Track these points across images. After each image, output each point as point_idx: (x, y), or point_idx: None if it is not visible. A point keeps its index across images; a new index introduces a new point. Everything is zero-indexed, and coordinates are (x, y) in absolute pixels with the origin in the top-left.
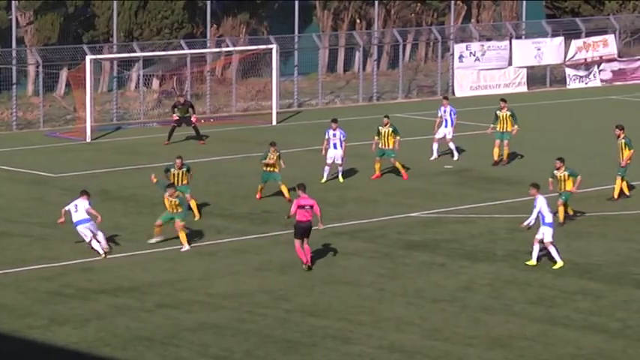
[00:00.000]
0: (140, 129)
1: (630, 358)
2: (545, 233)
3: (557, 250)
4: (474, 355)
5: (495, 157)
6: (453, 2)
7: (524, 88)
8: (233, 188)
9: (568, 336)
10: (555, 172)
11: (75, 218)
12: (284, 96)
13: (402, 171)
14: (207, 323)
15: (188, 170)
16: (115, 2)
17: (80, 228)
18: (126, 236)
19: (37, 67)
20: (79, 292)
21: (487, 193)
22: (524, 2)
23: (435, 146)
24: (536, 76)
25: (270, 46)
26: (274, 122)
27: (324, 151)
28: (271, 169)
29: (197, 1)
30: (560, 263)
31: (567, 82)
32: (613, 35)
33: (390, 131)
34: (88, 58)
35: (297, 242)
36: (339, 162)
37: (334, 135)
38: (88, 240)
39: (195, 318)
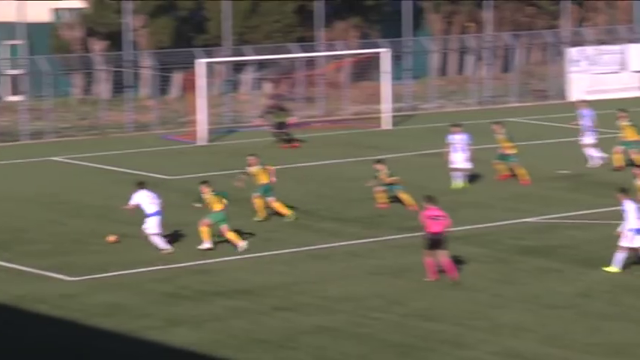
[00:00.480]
0: (252, 132)
1: None
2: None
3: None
4: None
5: (618, 164)
6: (566, 6)
7: (639, 93)
8: (346, 192)
9: None
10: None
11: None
12: (395, 100)
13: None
14: (322, 326)
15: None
16: (228, 6)
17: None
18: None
19: (151, 70)
20: (195, 293)
21: (602, 198)
22: (639, 5)
23: (592, 151)
24: None
25: (381, 49)
26: (388, 126)
27: (447, 157)
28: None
29: (308, 5)
30: None
31: None
32: None
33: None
34: (201, 61)
35: (428, 254)
36: (466, 167)
37: (455, 139)
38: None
39: (310, 321)
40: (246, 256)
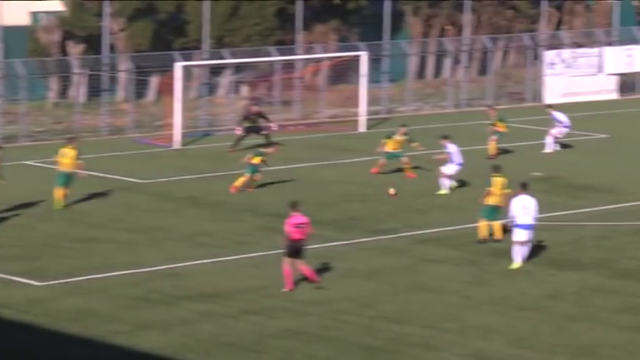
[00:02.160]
0: (228, 136)
1: None
2: None
3: None
4: None
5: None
6: (544, 9)
7: (615, 95)
8: (318, 195)
9: None
10: None
11: None
12: (372, 103)
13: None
14: (291, 330)
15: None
16: (206, 9)
17: None
18: (212, 242)
19: (128, 73)
20: (165, 297)
21: (574, 200)
22: (617, 9)
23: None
24: (627, 83)
25: (359, 52)
26: (362, 129)
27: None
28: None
29: (288, 8)
30: None
31: None
32: None
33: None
34: (178, 64)
35: (286, 262)
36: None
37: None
38: None
39: (279, 324)
40: (216, 259)
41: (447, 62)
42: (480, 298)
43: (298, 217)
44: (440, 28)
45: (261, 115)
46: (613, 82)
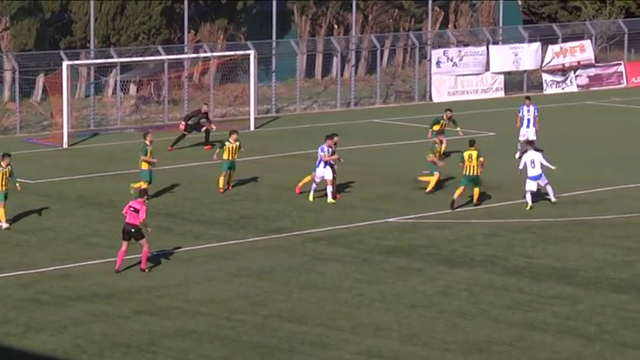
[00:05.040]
0: (117, 135)
1: None
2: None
3: None
4: None
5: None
6: (430, 8)
7: (501, 94)
8: (210, 194)
9: (545, 340)
10: None
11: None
12: (262, 102)
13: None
14: (184, 329)
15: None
16: (92, 8)
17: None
18: (103, 242)
19: (14, 73)
20: (56, 298)
21: (464, 198)
22: (501, 8)
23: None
24: (513, 81)
25: (247, 51)
26: (252, 128)
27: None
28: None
29: (175, 7)
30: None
31: (544, 88)
32: (589, 41)
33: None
34: (65, 63)
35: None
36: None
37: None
38: None
39: (172, 324)
40: (108, 260)
41: (336, 61)
42: (373, 295)
43: (135, 203)
44: (327, 27)
45: (206, 115)
46: (499, 81)
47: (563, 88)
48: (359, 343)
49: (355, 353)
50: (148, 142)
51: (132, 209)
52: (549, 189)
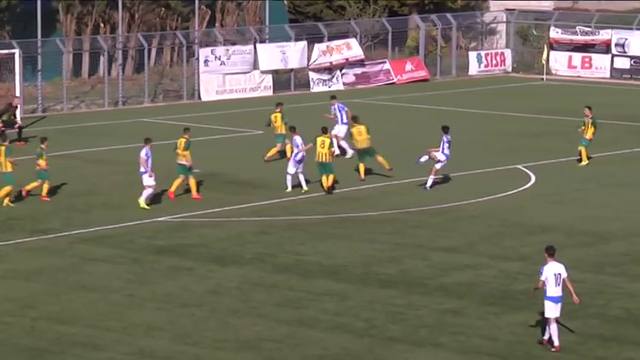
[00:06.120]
0: None
1: (376, 357)
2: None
3: None
4: (223, 358)
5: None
6: (197, 7)
7: (269, 92)
8: None
9: (315, 337)
10: None
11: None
12: (28, 101)
13: None
14: None
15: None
16: None
17: None
18: None
19: None
20: None
21: (235, 196)
22: (267, 7)
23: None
24: (281, 79)
25: (12, 50)
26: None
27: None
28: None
29: None
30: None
31: (311, 86)
32: (355, 39)
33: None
34: None
35: None
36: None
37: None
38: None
39: None
40: None
41: (102, 60)
42: (144, 295)
43: None
44: (94, 26)
45: (15, 110)
46: (267, 79)
47: (329, 87)
48: (130, 344)
49: (127, 354)
50: None
51: None
52: (302, 177)
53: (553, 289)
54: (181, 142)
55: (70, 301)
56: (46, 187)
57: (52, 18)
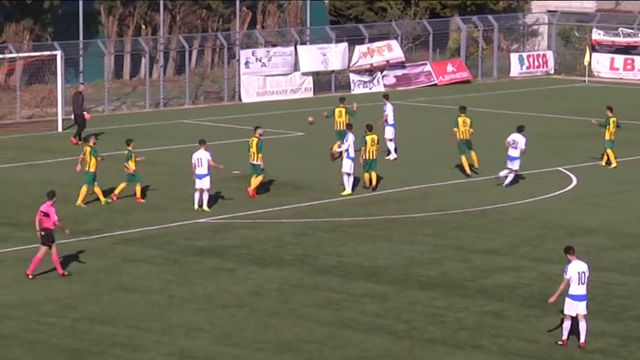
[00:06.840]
0: None
1: (416, 358)
2: None
3: None
4: (263, 359)
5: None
6: (238, 8)
7: (310, 94)
8: (18, 196)
9: (355, 338)
10: None
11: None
12: (70, 103)
13: None
14: None
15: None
16: None
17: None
18: None
19: None
20: None
21: (275, 198)
22: (308, 9)
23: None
24: (321, 81)
25: (54, 52)
26: (60, 129)
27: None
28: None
29: None
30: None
31: (352, 88)
32: (396, 41)
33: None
34: None
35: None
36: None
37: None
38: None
39: None
40: None
41: (144, 62)
42: (184, 296)
43: (47, 206)
44: (135, 28)
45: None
46: (308, 81)
47: (370, 88)
48: (170, 345)
49: (167, 355)
50: None
51: (44, 214)
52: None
53: (576, 288)
54: (253, 141)
55: (110, 301)
56: (139, 189)
57: (94, 20)
